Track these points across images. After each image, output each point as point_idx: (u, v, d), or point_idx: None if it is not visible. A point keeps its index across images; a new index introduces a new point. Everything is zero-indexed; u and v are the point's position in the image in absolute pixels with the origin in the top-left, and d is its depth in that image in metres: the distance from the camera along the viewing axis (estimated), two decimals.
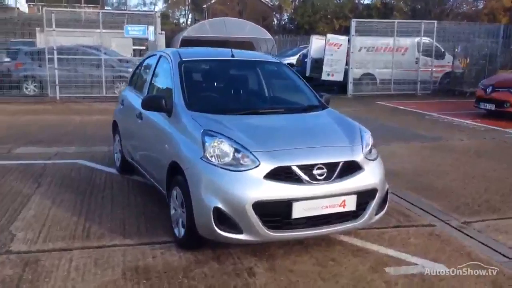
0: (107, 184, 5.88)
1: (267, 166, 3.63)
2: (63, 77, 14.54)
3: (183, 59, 4.87)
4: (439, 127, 10.76)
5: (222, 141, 3.76)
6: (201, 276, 3.62)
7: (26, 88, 15.39)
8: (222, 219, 3.60)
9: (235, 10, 44.08)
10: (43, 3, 44.03)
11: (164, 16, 48.81)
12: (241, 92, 5.12)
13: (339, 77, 17.35)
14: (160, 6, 54.01)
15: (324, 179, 3.72)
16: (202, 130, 3.90)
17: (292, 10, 46.87)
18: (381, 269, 3.84)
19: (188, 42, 36.81)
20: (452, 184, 6.27)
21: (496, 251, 4.28)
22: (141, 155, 5.28)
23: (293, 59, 23.75)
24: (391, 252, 4.18)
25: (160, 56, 5.31)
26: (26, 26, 24.07)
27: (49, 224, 4.53)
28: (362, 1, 47.71)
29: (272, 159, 3.67)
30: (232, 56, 5.09)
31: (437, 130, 10.29)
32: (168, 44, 37.97)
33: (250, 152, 3.69)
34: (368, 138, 4.30)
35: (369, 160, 4.09)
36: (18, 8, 50.59)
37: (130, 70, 15.21)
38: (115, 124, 6.39)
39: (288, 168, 3.66)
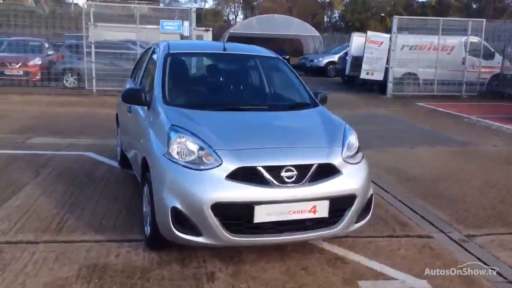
0: (104, 177, 5.83)
1: (229, 165, 3.40)
2: (100, 70, 14.78)
3: (171, 52, 4.72)
4: (474, 131, 10.10)
5: (186, 138, 3.57)
6: (157, 278, 3.45)
7: (66, 81, 15.78)
8: (180, 220, 3.42)
9: (284, 7, 43.79)
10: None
11: (215, 13, 49.28)
12: (227, 87, 4.91)
13: (378, 76, 16.73)
14: (210, 3, 54.50)
15: (293, 182, 3.46)
16: (169, 125, 3.73)
17: (343, 8, 46.07)
18: (354, 282, 3.54)
19: (234, 39, 37.00)
20: (467, 193, 5.80)
21: (493, 269, 3.87)
22: (129, 149, 5.18)
23: (336, 57, 23.29)
24: (373, 264, 3.85)
25: (154, 48, 5.19)
26: (81, 21, 24.75)
27: (29, 215, 4.50)
28: None
29: (236, 159, 3.44)
30: (224, 49, 4.89)
31: (471, 134, 9.64)
32: (216, 41, 38.32)
33: (213, 150, 3.48)
34: (353, 140, 4.00)
35: (350, 163, 3.78)
36: (76, 4, 52.43)
37: None
38: (117, 117, 6.34)
39: (253, 168, 3.42)
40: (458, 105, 14.03)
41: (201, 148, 3.51)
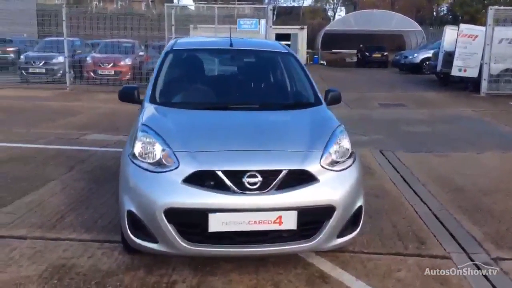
0: None
1: (187, 169, 3.16)
2: None
3: (174, 48, 4.60)
4: None
5: (150, 138, 3.40)
6: (114, 285, 3.31)
7: None
8: (137, 224, 3.25)
9: (386, 1, 42.05)
10: (205, 2, 47.08)
11: (313, 10, 48.70)
12: (223, 84, 4.64)
13: (472, 73, 15.33)
14: (309, 1, 53.73)
15: (258, 189, 3.13)
16: (140, 125, 3.59)
17: (451, 0, 43.12)
18: None
19: (330, 36, 36.28)
20: None
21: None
22: None
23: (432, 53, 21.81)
24: (358, 285, 3.40)
25: None
26: (187, 23, 25.87)
27: (34, 211, 4.60)
28: None
29: (194, 162, 3.19)
30: (231, 45, 4.63)
31: None
32: (313, 39, 37.87)
33: (173, 152, 3.26)
34: (343, 144, 3.55)
35: (331, 170, 3.35)
36: (185, 6, 54.84)
37: None
38: None
39: (212, 173, 3.15)
40: None
41: (163, 150, 3.32)
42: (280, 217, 3.14)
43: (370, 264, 3.70)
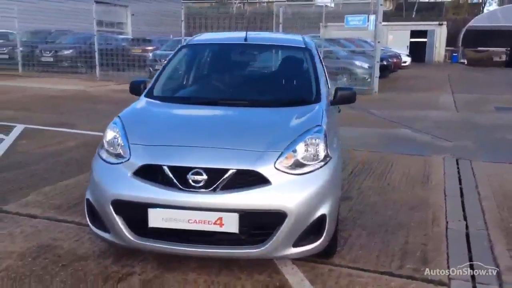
0: None
1: (136, 162, 3.17)
2: None
3: (188, 43, 4.62)
4: None
5: (115, 130, 3.47)
6: (76, 269, 3.41)
7: None
8: (93, 213, 3.35)
9: None
10: None
11: (456, 5, 45.09)
12: (220, 80, 4.47)
13: None
14: None
15: (202, 187, 3.02)
16: (115, 116, 3.67)
17: None
18: None
19: (474, 33, 33.23)
20: None
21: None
22: None
23: None
24: None
25: None
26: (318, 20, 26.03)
27: (63, 194, 4.96)
28: None
29: (144, 155, 3.18)
30: (245, 40, 4.49)
31: None
32: (456, 36, 35.18)
33: (128, 144, 3.28)
34: (313, 146, 3.24)
35: (288, 173, 3.08)
36: (325, 5, 54.68)
37: (357, 62, 14.92)
38: None
39: (159, 167, 3.10)
40: None
41: (123, 142, 3.36)
42: (220, 218, 2.98)
43: (344, 281, 3.34)
